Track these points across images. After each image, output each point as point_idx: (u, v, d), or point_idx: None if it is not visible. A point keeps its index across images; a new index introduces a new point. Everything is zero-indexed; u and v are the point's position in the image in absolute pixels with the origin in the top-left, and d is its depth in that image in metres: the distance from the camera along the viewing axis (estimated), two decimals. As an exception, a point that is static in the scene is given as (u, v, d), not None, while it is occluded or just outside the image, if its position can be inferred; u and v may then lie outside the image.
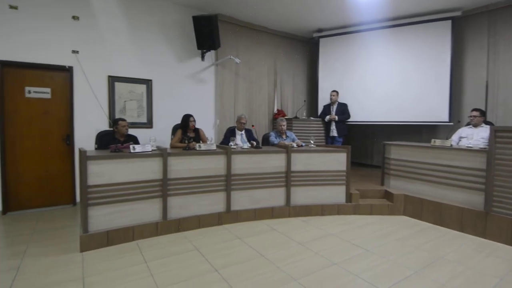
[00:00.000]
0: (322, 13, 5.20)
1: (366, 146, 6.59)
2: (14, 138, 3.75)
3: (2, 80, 3.63)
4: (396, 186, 4.21)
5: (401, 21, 5.32)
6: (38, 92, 3.87)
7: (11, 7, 3.64)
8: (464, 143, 3.84)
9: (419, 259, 2.64)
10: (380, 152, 4.88)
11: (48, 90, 3.93)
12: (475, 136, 3.83)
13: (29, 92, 3.82)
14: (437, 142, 3.83)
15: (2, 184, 3.66)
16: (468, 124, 4.16)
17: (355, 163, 6.48)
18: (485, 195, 3.19)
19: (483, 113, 4.01)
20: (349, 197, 3.95)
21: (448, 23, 4.98)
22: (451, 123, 5.04)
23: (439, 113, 5.09)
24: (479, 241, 3.09)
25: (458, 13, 4.89)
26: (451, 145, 3.72)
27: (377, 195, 4.19)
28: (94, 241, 2.75)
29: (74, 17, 4.02)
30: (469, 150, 3.42)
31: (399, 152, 4.20)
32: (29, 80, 3.82)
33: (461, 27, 5.09)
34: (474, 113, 3.96)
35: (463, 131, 4.09)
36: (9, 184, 3.73)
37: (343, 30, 5.88)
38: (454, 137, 4.13)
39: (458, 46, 5.10)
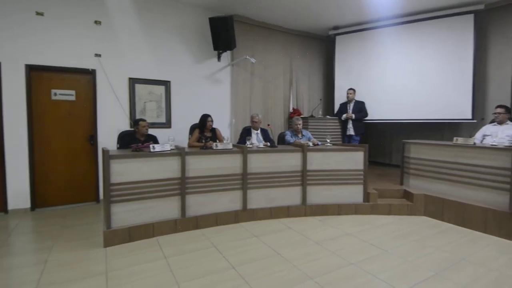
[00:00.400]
0: (338, 10, 5.14)
1: (385, 145, 6.45)
2: (42, 139, 3.95)
3: (30, 83, 3.83)
4: (416, 185, 4.11)
5: (420, 16, 5.18)
6: (64, 95, 4.05)
7: (38, 13, 3.83)
8: (488, 141, 3.71)
9: (440, 261, 2.58)
10: (399, 150, 4.78)
11: (73, 92, 4.11)
12: (500, 134, 3.68)
13: (55, 94, 4.01)
14: (460, 140, 3.72)
15: (31, 182, 3.87)
16: (492, 122, 4.01)
17: (373, 162, 6.37)
18: (510, 195, 3.07)
19: (508, 110, 3.84)
20: (366, 196, 3.90)
21: (470, 17, 4.80)
22: (475, 121, 4.86)
23: (462, 110, 4.92)
24: (504, 243, 2.98)
25: (480, 7, 4.70)
26: (474, 143, 3.61)
27: (396, 194, 4.11)
28: (116, 237, 2.87)
29: (96, 22, 4.18)
30: (493, 148, 3.30)
31: (419, 151, 4.10)
32: (55, 83, 4.01)
33: (484, 21, 4.90)
34: (499, 109, 3.81)
35: (487, 128, 3.94)
36: (37, 182, 3.93)
37: (359, 27, 5.79)
38: (478, 135, 3.99)
39: (481, 40, 4.92)
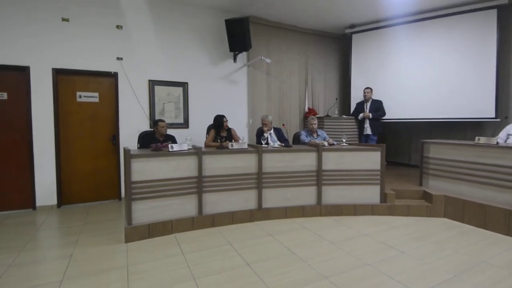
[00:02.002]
0: (354, 8, 5.08)
1: (403, 145, 6.31)
2: (67, 139, 4.15)
3: (56, 86, 4.03)
4: (435, 186, 4.02)
5: (440, 13, 5.03)
6: (88, 97, 4.25)
7: (63, 19, 4.03)
8: (512, 141, 3.58)
9: (459, 263, 2.53)
10: (418, 150, 4.68)
11: (96, 94, 4.30)
12: (525, 133, 3.55)
13: (80, 96, 4.21)
14: (482, 139, 3.61)
15: (57, 180, 4.07)
16: (517, 121, 3.86)
17: (391, 162, 6.26)
18: (536, 197, 2.95)
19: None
20: (384, 197, 3.85)
21: (493, 12, 4.62)
22: (498, 120, 4.68)
23: (484, 108, 4.75)
24: (529, 247, 2.87)
25: (504, 1, 4.51)
26: (497, 142, 3.48)
27: (415, 195, 4.03)
28: (137, 233, 2.98)
29: (117, 26, 4.35)
30: (518, 148, 3.18)
31: (439, 151, 4.00)
32: (80, 86, 4.20)
33: (509, 16, 4.69)
34: (525, 108, 3.66)
35: (512, 128, 3.80)
36: (63, 180, 4.14)
37: (376, 25, 5.70)
38: (502, 135, 3.86)
39: (505, 36, 4.71)
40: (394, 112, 5.49)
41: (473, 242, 2.97)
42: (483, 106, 4.76)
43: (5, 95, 3.82)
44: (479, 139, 3.64)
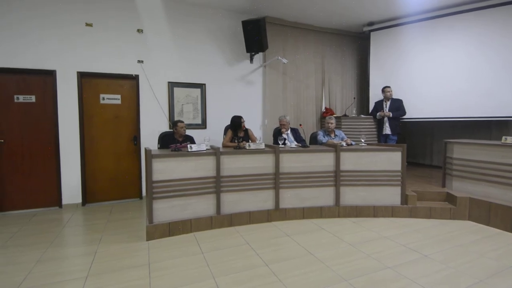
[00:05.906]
0: (373, 4, 4.96)
1: (425, 145, 6.13)
2: (92, 140, 4.30)
3: (81, 89, 4.19)
4: (459, 188, 3.88)
5: (465, 7, 4.84)
6: (111, 99, 4.39)
7: (87, 24, 4.18)
8: (543, 141, 3.41)
9: (485, 268, 2.43)
10: (440, 151, 4.53)
11: (119, 96, 4.43)
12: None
13: (103, 98, 4.35)
14: (509, 139, 3.47)
15: (82, 180, 4.23)
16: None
17: (412, 163, 6.11)
18: None
19: None
20: (404, 199, 3.75)
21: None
22: (527, 118, 4.47)
23: (511, 106, 4.54)
24: (562, 252, 2.73)
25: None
26: (527, 143, 3.34)
27: (438, 197, 3.91)
28: (158, 231, 3.06)
29: (138, 30, 4.47)
30: (549, 149, 3.03)
31: (463, 151, 3.86)
32: (103, 88, 4.35)
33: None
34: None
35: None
36: (87, 179, 4.30)
37: (396, 22, 5.55)
38: (531, 134, 3.68)
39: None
40: (414, 111, 5.34)
41: (499, 246, 2.85)
42: (509, 104, 4.55)
43: (33, 98, 4.00)
44: (506, 138, 3.50)
